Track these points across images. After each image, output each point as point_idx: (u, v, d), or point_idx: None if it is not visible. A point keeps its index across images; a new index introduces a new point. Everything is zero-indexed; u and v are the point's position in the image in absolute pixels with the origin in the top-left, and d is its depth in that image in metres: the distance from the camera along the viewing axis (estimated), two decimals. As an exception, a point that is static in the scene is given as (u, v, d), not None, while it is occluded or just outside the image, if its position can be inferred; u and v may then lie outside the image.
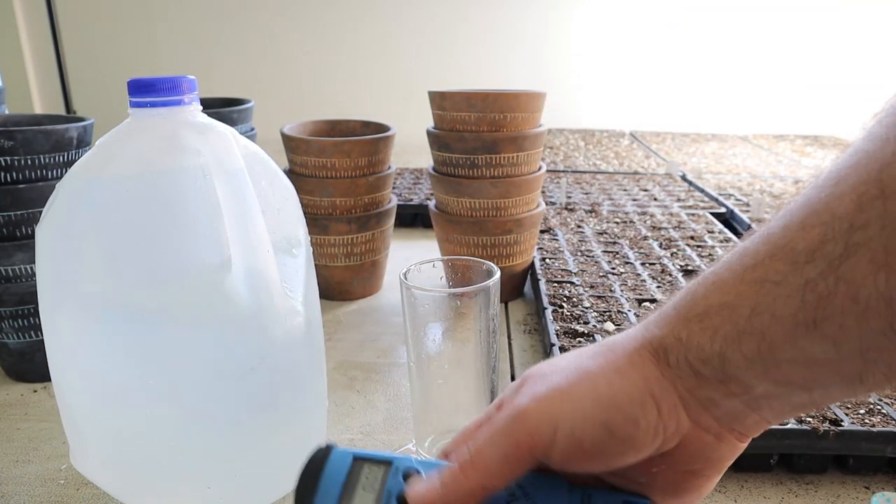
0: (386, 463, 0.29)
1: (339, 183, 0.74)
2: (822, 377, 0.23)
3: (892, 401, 0.50)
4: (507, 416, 0.26)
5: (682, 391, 0.25)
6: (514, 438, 0.25)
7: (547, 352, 0.61)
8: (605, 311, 0.66)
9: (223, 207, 0.38)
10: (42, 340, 0.40)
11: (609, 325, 0.63)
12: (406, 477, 0.28)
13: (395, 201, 0.82)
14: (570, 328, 0.62)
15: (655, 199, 1.13)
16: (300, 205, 0.46)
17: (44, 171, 0.56)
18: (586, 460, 0.25)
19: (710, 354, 0.24)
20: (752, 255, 0.24)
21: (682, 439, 0.26)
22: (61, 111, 2.18)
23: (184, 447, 0.39)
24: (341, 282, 0.80)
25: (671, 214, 1.03)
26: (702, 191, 1.19)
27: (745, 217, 1.00)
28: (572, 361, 0.27)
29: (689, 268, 0.79)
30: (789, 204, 0.24)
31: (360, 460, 0.29)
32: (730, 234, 0.92)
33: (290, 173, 0.77)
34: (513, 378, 0.62)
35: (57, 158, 0.56)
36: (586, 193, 1.17)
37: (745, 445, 0.27)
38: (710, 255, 0.84)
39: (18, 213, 0.55)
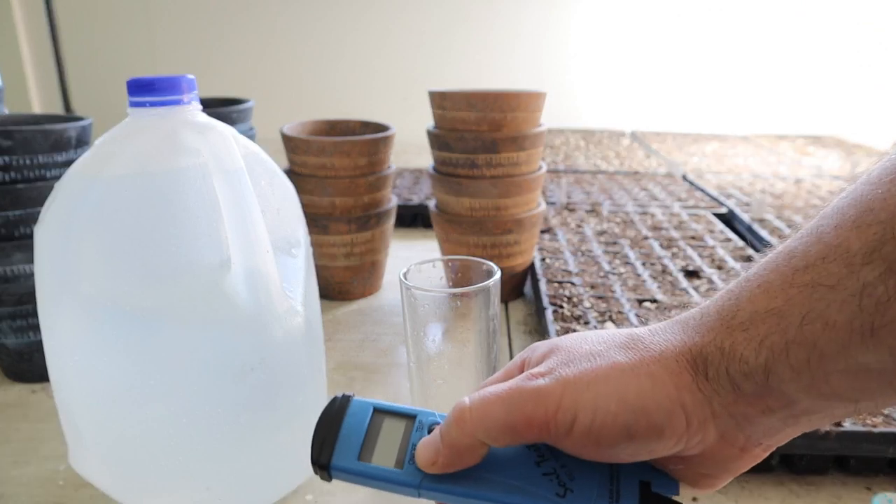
0: (409, 417, 0.28)
1: (339, 183, 0.74)
2: (873, 388, 0.21)
3: (894, 401, 0.50)
4: (527, 387, 0.25)
5: (716, 407, 0.24)
6: (527, 413, 0.25)
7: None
8: (605, 311, 0.66)
9: (222, 207, 0.38)
10: (41, 341, 0.40)
11: (609, 325, 0.62)
12: (431, 432, 0.27)
13: (395, 201, 0.82)
14: (571, 328, 0.62)
15: (656, 199, 1.13)
16: (300, 205, 0.46)
17: (42, 171, 0.55)
18: (596, 452, 0.25)
19: (755, 367, 0.22)
20: (802, 255, 0.22)
21: (704, 449, 0.25)
22: (60, 111, 2.18)
23: (183, 447, 0.39)
24: (341, 282, 0.79)
25: (672, 214, 1.03)
26: (703, 191, 1.19)
27: (745, 217, 1.00)
28: (602, 347, 0.26)
29: (690, 268, 0.79)
30: (837, 201, 0.22)
31: (380, 412, 0.28)
32: (731, 234, 0.92)
33: (290, 173, 0.77)
34: (513, 378, 0.62)
35: (55, 158, 0.56)
36: (586, 193, 1.16)
37: (766, 455, 0.26)
38: (710, 255, 0.84)
39: (17, 212, 0.55)
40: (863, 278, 0.20)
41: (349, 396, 0.29)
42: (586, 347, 0.26)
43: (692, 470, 0.26)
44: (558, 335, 0.61)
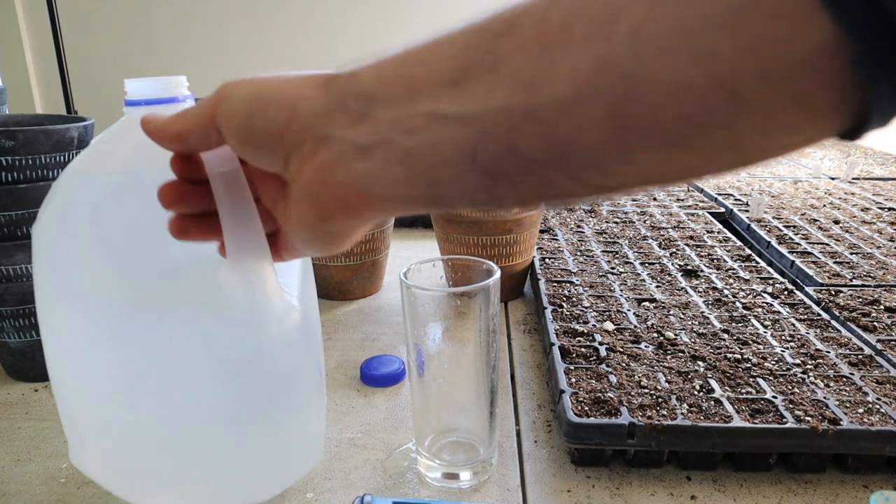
0: None
1: (340, 183, 0.74)
2: (437, 139, 0.24)
3: (891, 400, 0.50)
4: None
5: (324, 119, 0.27)
6: (205, 105, 0.30)
7: (546, 351, 0.61)
8: (604, 311, 0.66)
9: (219, 203, 0.38)
10: (43, 339, 0.41)
11: (608, 325, 0.63)
12: None
13: (395, 201, 0.82)
14: (570, 328, 0.62)
15: (655, 199, 1.13)
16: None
17: (45, 171, 0.56)
18: (237, 141, 0.30)
19: (364, 91, 0.26)
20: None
21: (303, 178, 0.28)
22: (62, 111, 2.18)
23: (182, 444, 0.39)
24: (341, 281, 0.80)
25: (670, 214, 1.03)
26: (701, 191, 1.20)
27: (743, 217, 1.00)
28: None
29: (689, 267, 0.79)
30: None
31: None
32: (729, 234, 0.92)
33: (291, 173, 0.77)
34: (512, 378, 0.63)
35: (58, 158, 0.56)
36: (586, 193, 1.17)
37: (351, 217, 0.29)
38: (708, 254, 0.84)
39: (20, 212, 0.55)
40: (465, 41, 0.24)
41: (369, 498, 0.33)
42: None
43: (289, 209, 0.31)
44: (558, 335, 0.61)
